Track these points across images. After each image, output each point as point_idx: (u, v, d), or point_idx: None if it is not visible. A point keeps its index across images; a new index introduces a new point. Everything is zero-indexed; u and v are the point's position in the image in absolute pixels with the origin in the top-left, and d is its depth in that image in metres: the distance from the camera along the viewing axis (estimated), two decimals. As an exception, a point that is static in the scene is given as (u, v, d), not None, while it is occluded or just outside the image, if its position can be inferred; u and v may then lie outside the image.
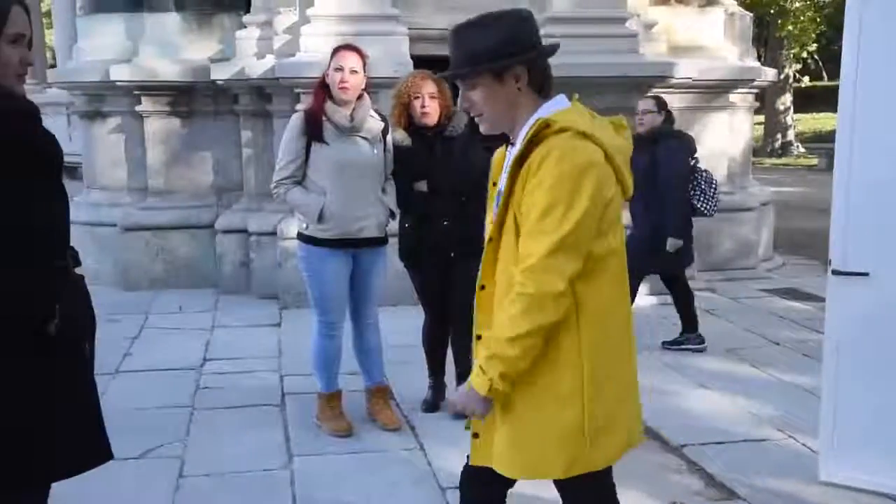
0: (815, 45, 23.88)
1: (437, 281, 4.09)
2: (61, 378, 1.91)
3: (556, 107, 1.98)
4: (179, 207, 7.14)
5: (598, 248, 1.91)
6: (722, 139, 7.82)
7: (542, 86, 2.01)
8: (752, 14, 8.93)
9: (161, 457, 3.69)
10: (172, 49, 7.16)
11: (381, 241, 3.93)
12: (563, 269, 1.84)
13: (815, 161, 20.86)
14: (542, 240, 1.84)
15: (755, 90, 8.44)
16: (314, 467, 3.58)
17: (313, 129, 3.73)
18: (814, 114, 26.58)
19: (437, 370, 4.30)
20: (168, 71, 7.00)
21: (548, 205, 1.84)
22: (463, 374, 4.21)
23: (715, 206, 5.32)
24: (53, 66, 12.64)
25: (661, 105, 5.22)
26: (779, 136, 23.72)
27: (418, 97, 3.89)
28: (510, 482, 2.14)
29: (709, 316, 6.22)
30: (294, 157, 3.75)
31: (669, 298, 6.58)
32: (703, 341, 5.31)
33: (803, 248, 8.95)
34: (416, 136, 3.95)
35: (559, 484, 2.08)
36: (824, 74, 30.25)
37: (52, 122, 1.92)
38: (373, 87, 3.99)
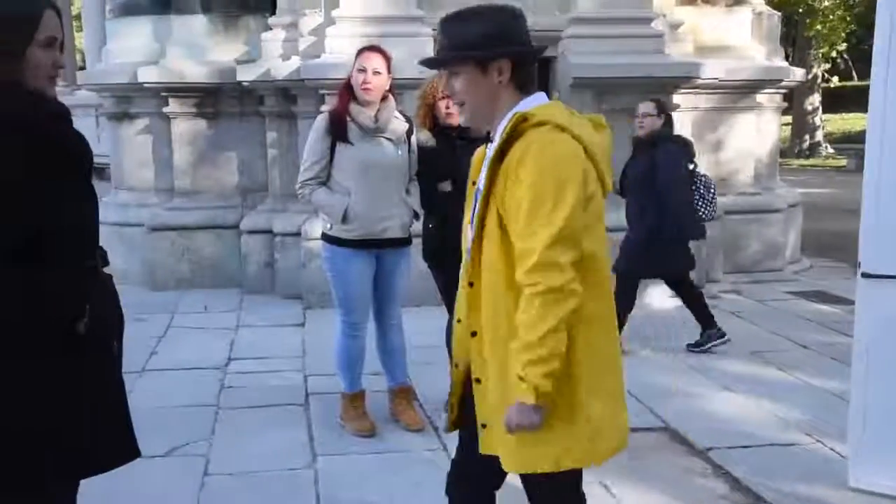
0: (844, 44, 23.58)
1: (439, 279, 4.10)
2: (90, 376, 1.94)
3: (535, 102, 2.00)
4: (205, 208, 7.20)
5: (584, 243, 1.93)
6: (749, 140, 7.75)
7: (525, 84, 2.01)
8: (779, 13, 8.84)
9: (186, 455, 3.72)
10: (199, 51, 7.23)
11: (405, 242, 3.94)
12: (564, 258, 1.86)
13: (843, 162, 20.60)
14: (537, 236, 1.84)
15: (783, 90, 8.35)
16: (338, 467, 3.59)
17: (338, 130, 3.74)
18: (843, 114, 26.25)
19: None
20: (195, 72, 7.07)
21: (535, 200, 1.85)
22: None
23: (714, 210, 5.30)
24: (83, 68, 12.80)
25: (661, 109, 5.20)
26: (807, 136, 23.45)
27: (443, 98, 3.89)
28: (498, 482, 2.16)
29: (734, 318, 6.16)
30: (319, 158, 3.77)
31: (694, 301, 6.57)
32: (724, 334, 5.26)
33: (831, 250, 8.84)
34: (441, 136, 3.95)
35: (529, 478, 2.06)
36: (854, 74, 29.86)
37: (82, 124, 1.95)
38: (397, 88, 4.00)
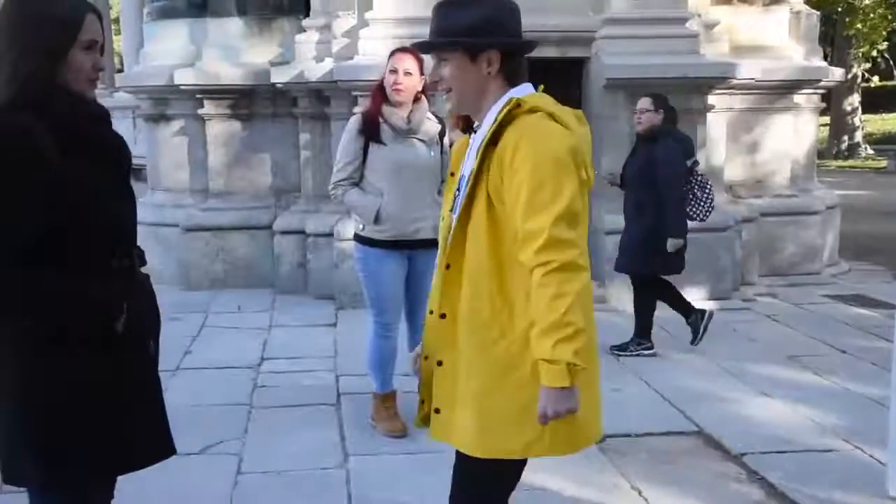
0: (885, 43, 23.11)
1: None
2: (128, 375, 1.96)
3: (524, 92, 2.01)
4: (239, 209, 7.27)
5: (579, 233, 1.93)
6: (785, 141, 7.64)
7: (513, 76, 2.02)
8: (818, 12, 8.69)
9: (219, 453, 3.76)
10: (234, 53, 7.30)
11: (437, 243, 3.93)
12: (569, 235, 1.87)
13: (883, 163, 20.21)
14: (543, 216, 1.85)
15: (821, 90, 8.21)
16: (369, 467, 3.60)
17: (370, 131, 3.76)
18: (883, 114, 25.76)
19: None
20: (230, 74, 7.14)
21: (537, 183, 1.86)
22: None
23: (708, 211, 5.23)
24: (121, 70, 13.02)
25: (659, 104, 5.14)
26: (845, 137, 23.04)
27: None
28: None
29: (770, 322, 6.09)
30: (352, 159, 3.78)
31: (728, 303, 6.49)
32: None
33: (870, 253, 8.68)
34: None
35: (473, 459, 2.01)
36: (895, 73, 29.26)
37: (119, 126, 1.98)
38: (430, 89, 4.00)
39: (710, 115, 6.94)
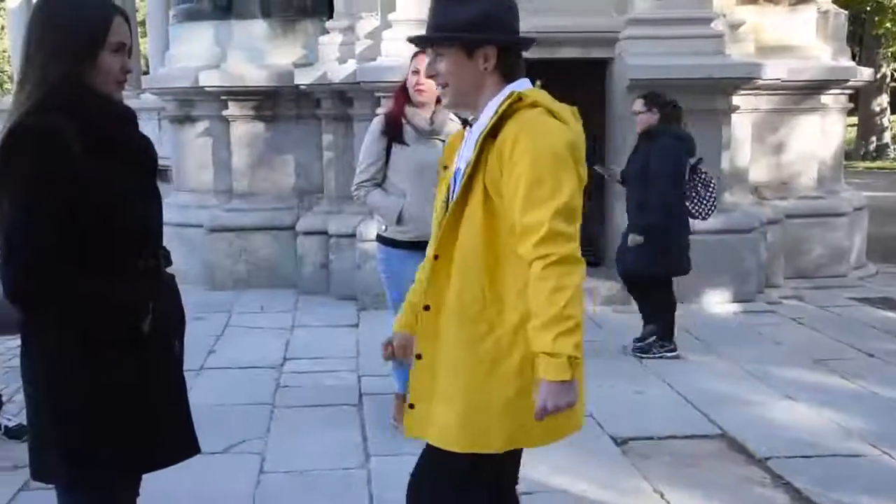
0: (914, 42, 22.79)
1: None
2: (154, 374, 1.99)
3: (523, 86, 2.00)
4: (262, 209, 7.32)
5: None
6: (812, 142, 7.55)
7: (510, 73, 2.01)
8: (846, 11, 8.59)
9: (242, 452, 3.78)
10: (258, 55, 7.35)
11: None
12: (568, 229, 1.87)
13: (912, 165, 19.91)
14: (543, 209, 1.85)
15: (849, 90, 8.11)
16: (391, 467, 3.60)
17: (393, 132, 3.77)
18: (912, 115, 25.35)
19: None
20: (254, 76, 7.19)
21: (537, 177, 1.86)
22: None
23: (710, 209, 5.19)
24: (146, 72, 13.15)
25: (653, 103, 5.10)
26: (874, 138, 22.72)
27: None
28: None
29: (795, 324, 6.02)
30: (375, 160, 3.79)
31: (753, 306, 6.43)
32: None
33: (899, 255, 8.55)
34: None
35: (448, 455, 2.01)
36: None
37: (145, 127, 2.01)
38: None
39: (734, 116, 6.88)
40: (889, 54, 22.89)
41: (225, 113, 7.32)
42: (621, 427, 4.02)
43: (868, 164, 21.29)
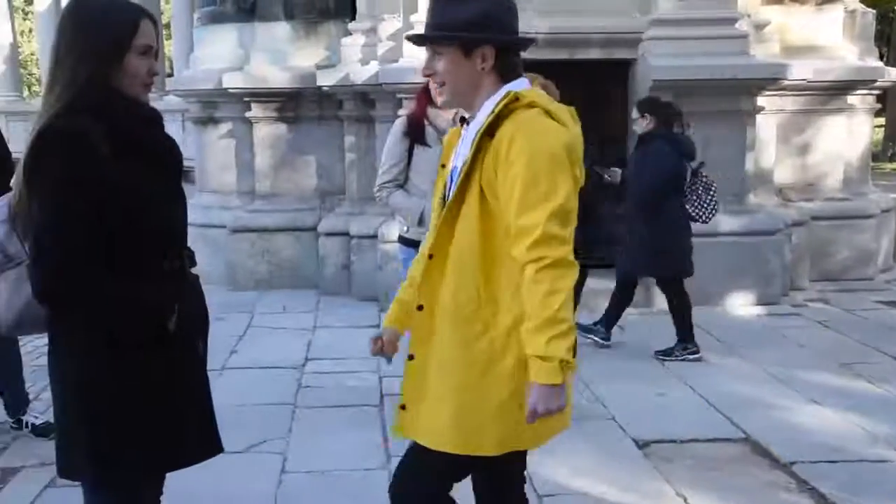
0: (943, 42, 22.45)
1: None
2: (178, 374, 2.00)
3: (521, 86, 1.99)
4: (284, 210, 7.36)
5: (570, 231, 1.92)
6: (838, 143, 7.47)
7: (508, 74, 1.99)
8: (874, 10, 8.48)
9: (264, 452, 3.80)
10: (281, 57, 7.39)
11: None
12: (562, 232, 1.86)
13: (941, 166, 19.60)
14: (537, 212, 1.84)
15: (876, 91, 8.01)
16: (411, 469, 3.60)
17: (415, 133, 3.77)
18: (941, 116, 24.94)
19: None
20: (277, 78, 7.23)
21: (532, 178, 1.84)
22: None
23: (711, 213, 5.17)
24: (171, 74, 13.28)
25: (646, 109, 5.14)
26: (901, 139, 22.41)
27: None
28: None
29: (820, 327, 5.95)
30: (397, 161, 3.80)
31: (777, 308, 6.37)
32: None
33: (927, 258, 8.42)
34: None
35: (433, 453, 2.00)
36: (953, 74, 28.35)
37: (169, 128, 2.02)
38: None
39: (759, 117, 6.82)
40: (917, 54, 22.57)
41: (248, 114, 7.37)
42: (643, 430, 3.99)
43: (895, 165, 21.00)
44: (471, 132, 2.00)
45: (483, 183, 1.93)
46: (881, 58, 9.18)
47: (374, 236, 6.60)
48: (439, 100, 2.08)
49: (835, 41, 7.45)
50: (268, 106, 7.33)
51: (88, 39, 1.86)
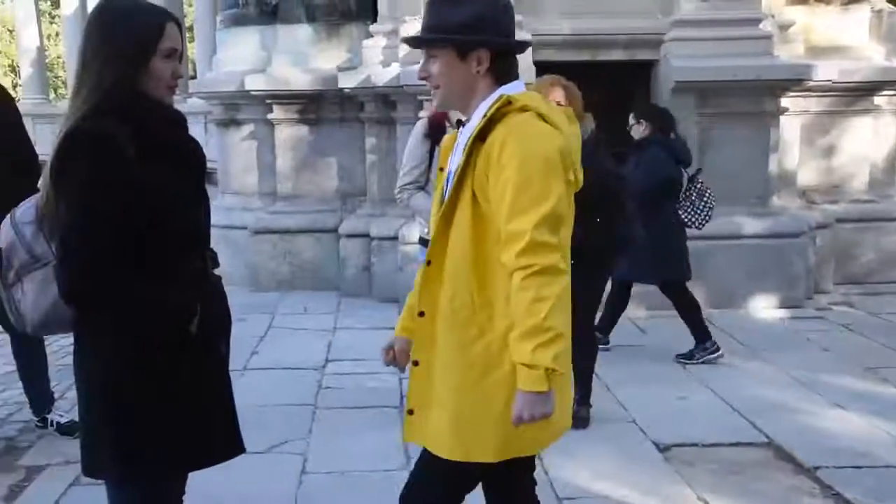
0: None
1: None
2: (201, 373, 2.02)
3: (515, 89, 1.97)
4: (306, 212, 7.39)
5: (562, 235, 1.90)
6: (864, 144, 7.38)
7: (503, 76, 1.98)
8: (901, 10, 8.36)
9: (284, 452, 3.82)
10: (303, 59, 7.43)
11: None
12: (551, 238, 1.84)
13: (969, 168, 19.28)
14: (526, 218, 1.82)
15: (904, 92, 7.90)
16: (431, 470, 3.60)
17: (437, 135, 3.77)
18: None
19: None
20: (299, 80, 7.26)
21: (522, 183, 1.83)
22: (579, 377, 4.14)
23: (704, 219, 5.14)
24: (194, 77, 13.38)
25: (641, 116, 5.13)
26: (928, 141, 22.09)
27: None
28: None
29: (845, 331, 5.88)
30: (418, 163, 3.81)
31: (801, 312, 6.30)
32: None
33: (955, 261, 8.28)
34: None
35: (439, 459, 2.00)
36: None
37: (192, 131, 2.03)
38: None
39: (783, 119, 6.75)
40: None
41: (270, 116, 7.41)
42: (664, 433, 3.97)
43: (922, 167, 20.71)
44: (465, 136, 1.99)
45: (475, 187, 1.92)
46: (908, 58, 9.04)
47: (395, 238, 6.61)
48: (433, 103, 2.07)
49: (861, 41, 7.36)
50: (289, 108, 7.37)
51: (114, 43, 1.88)
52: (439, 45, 1.97)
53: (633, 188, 4.96)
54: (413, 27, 6.80)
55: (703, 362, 5.05)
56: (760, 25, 6.59)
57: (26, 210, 1.99)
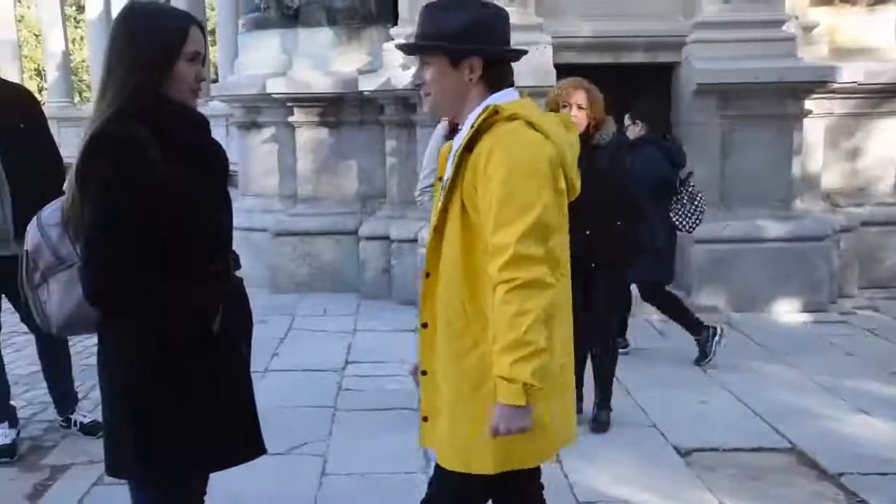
0: None
1: (577, 291, 4.03)
2: (223, 374, 2.03)
3: (505, 98, 1.95)
4: (326, 214, 7.42)
5: (552, 244, 1.88)
6: (890, 147, 7.29)
7: (496, 84, 1.96)
8: (928, 12, 8.25)
9: (304, 454, 3.83)
10: (324, 62, 7.47)
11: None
12: (537, 251, 1.82)
13: None
14: (510, 231, 1.80)
15: (930, 94, 7.79)
16: (450, 473, 3.60)
17: (456, 138, 3.77)
18: None
19: (576, 383, 4.23)
20: (319, 83, 7.30)
21: (507, 195, 1.81)
22: (600, 381, 4.13)
23: (695, 222, 5.10)
24: (215, 80, 13.49)
25: (637, 116, 5.10)
26: (954, 143, 21.78)
27: (566, 106, 3.86)
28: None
29: (870, 336, 5.81)
30: (438, 165, 3.81)
31: (824, 316, 6.23)
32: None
33: (982, 265, 8.16)
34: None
35: (444, 469, 2.00)
36: None
37: (213, 134, 2.06)
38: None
39: (806, 121, 6.69)
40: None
41: (290, 119, 7.45)
42: (685, 437, 3.94)
43: (949, 169, 20.42)
44: (455, 146, 1.98)
45: (464, 198, 1.90)
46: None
47: (415, 240, 6.62)
48: (425, 109, 2.07)
49: (887, 43, 7.28)
50: (310, 111, 7.40)
51: (139, 48, 1.90)
52: (432, 52, 1.95)
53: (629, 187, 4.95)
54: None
55: (715, 352, 5.02)
56: (784, 27, 6.53)
57: (52, 212, 2.01)
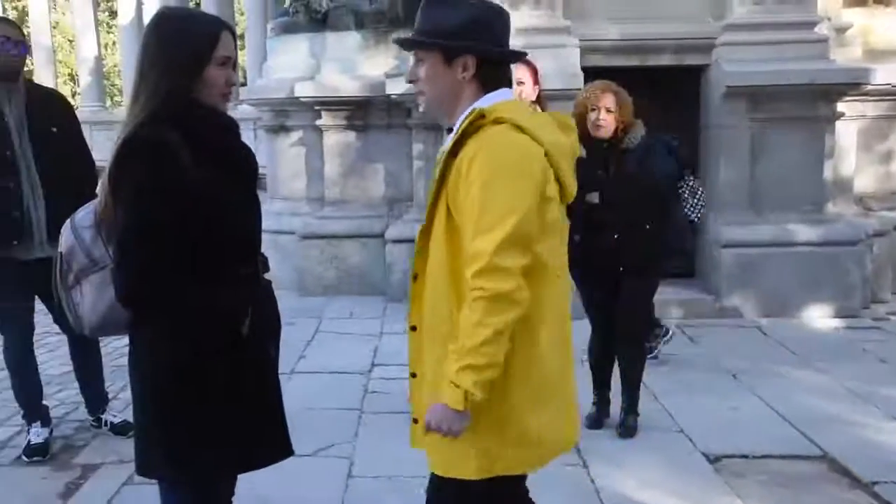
0: None
1: (605, 295, 4.01)
2: (251, 376, 2.05)
3: (497, 99, 1.91)
4: (353, 217, 7.45)
5: (539, 250, 1.85)
6: (925, 150, 7.17)
7: (490, 84, 1.93)
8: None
9: (331, 456, 3.85)
10: (351, 66, 7.50)
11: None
12: (512, 264, 1.78)
13: None
14: (487, 239, 1.77)
15: (967, 96, 7.65)
16: (476, 477, 3.59)
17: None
18: None
19: (602, 385, 4.21)
20: (347, 87, 7.34)
21: (487, 201, 1.77)
22: (627, 386, 4.10)
23: (697, 216, 5.02)
24: (244, 84, 13.63)
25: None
26: None
27: (595, 109, 3.85)
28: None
29: (904, 343, 5.71)
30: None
31: (857, 322, 6.13)
32: (667, 331, 5.17)
33: None
34: (592, 147, 3.90)
35: (441, 479, 1.98)
36: None
37: (242, 137, 2.08)
38: (544, 99, 3.99)
39: (839, 124, 6.60)
40: None
41: (318, 123, 7.50)
42: (714, 444, 3.90)
43: None
44: (445, 146, 1.96)
45: (449, 201, 1.89)
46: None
47: (441, 243, 6.61)
48: (420, 108, 2.05)
49: (923, 44, 7.16)
50: (337, 114, 7.44)
51: (171, 53, 1.93)
52: (426, 49, 1.94)
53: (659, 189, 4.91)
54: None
55: (661, 346, 5.13)
56: (816, 28, 6.45)
57: (85, 215, 2.04)
